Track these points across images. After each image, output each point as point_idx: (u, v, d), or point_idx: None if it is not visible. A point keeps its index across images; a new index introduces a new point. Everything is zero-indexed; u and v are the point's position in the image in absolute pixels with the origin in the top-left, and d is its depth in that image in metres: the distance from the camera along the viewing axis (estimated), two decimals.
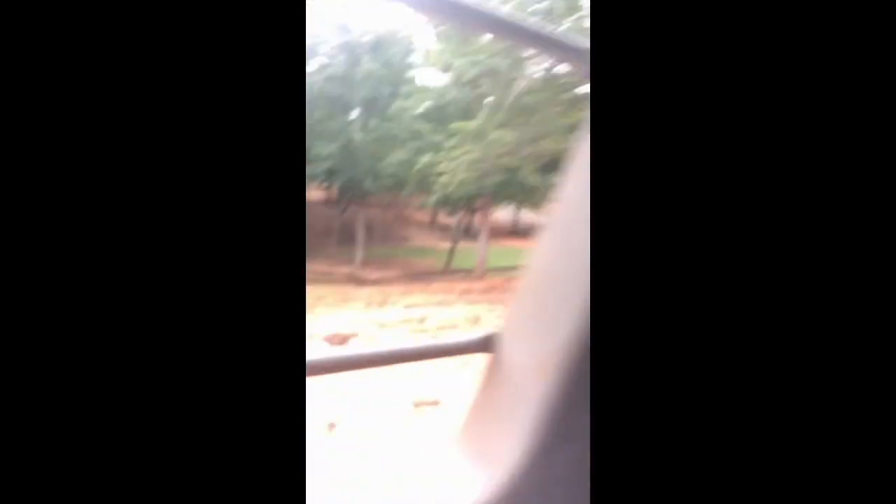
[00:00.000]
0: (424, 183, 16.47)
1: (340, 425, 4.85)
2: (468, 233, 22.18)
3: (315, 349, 5.77)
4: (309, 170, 19.74)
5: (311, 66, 22.28)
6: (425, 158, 15.63)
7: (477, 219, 21.30)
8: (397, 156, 17.40)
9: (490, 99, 15.33)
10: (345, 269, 20.38)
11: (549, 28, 0.90)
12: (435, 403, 4.00)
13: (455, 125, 15.84)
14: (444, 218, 27.09)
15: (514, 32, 0.80)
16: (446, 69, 16.69)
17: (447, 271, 20.02)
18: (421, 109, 18.38)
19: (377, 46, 18.91)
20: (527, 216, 23.39)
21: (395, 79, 19.02)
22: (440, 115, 17.45)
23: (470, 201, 19.04)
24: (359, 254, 20.27)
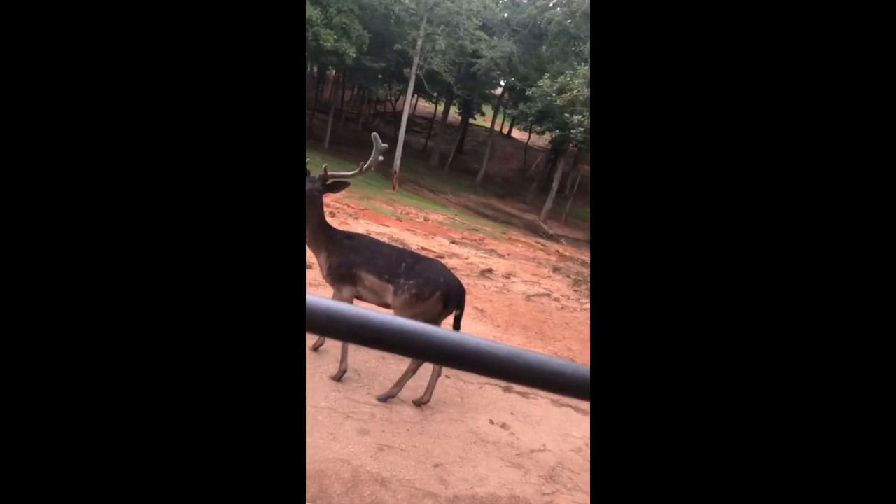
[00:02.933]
0: None
1: None
2: None
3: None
4: (524, 108, 19.26)
5: None
6: None
7: None
8: None
9: None
10: (530, 217, 19.88)
11: None
12: None
13: None
14: None
15: None
16: None
17: None
18: None
19: None
20: None
21: None
22: None
23: None
24: (547, 205, 19.39)
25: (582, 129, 13.45)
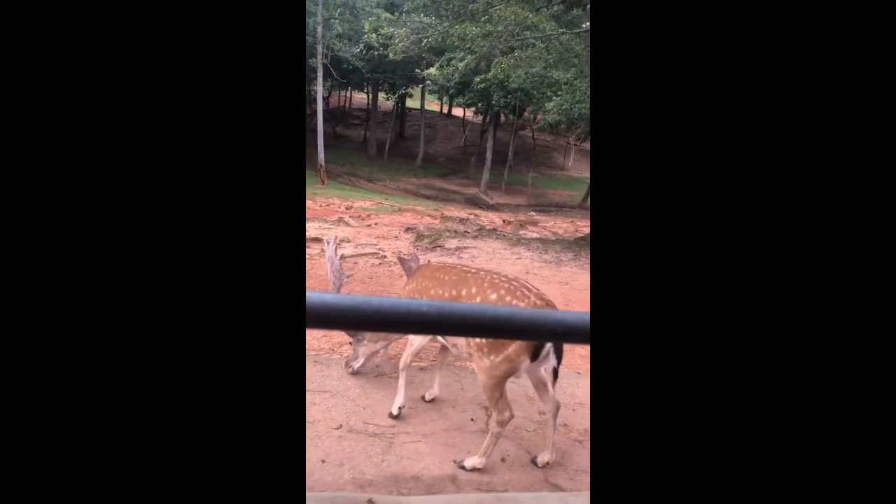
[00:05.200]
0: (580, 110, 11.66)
1: None
2: None
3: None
4: (443, 81, 18.71)
5: None
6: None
7: None
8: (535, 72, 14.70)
9: None
10: (471, 191, 19.43)
11: None
12: None
13: None
14: None
15: None
16: None
17: (582, 206, 17.47)
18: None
19: None
20: None
21: None
22: None
23: None
24: (485, 177, 18.99)
25: (503, 94, 12.43)
